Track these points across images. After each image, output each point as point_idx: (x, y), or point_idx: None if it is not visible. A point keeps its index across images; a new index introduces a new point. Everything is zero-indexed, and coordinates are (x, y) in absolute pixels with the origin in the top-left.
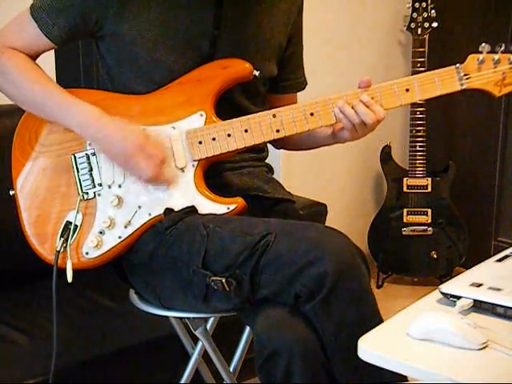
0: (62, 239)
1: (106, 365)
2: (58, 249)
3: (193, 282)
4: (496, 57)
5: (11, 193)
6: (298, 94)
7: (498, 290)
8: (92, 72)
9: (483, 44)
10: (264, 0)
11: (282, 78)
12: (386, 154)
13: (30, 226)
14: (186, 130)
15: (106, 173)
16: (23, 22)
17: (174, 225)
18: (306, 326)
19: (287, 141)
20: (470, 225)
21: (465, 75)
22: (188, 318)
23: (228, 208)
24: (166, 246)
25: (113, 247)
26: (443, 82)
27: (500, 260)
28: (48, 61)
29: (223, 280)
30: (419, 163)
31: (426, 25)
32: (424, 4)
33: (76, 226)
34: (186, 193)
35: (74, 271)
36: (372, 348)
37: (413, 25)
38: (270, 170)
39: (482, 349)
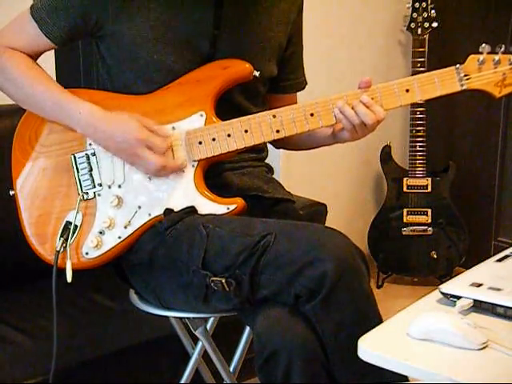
0: (62, 239)
1: (106, 365)
2: (57, 249)
3: (192, 282)
4: (496, 57)
5: (11, 193)
6: (298, 94)
7: (498, 289)
8: (92, 72)
9: (483, 45)
10: (264, 0)
11: (281, 77)
12: (385, 154)
13: (29, 226)
14: (186, 131)
15: (105, 173)
16: (23, 22)
17: (173, 225)
18: (306, 326)
19: (287, 141)
20: (470, 225)
21: (465, 76)
22: (188, 318)
23: (228, 208)
24: (165, 247)
25: (112, 247)
26: (443, 82)
27: (500, 260)
28: (48, 61)
29: (223, 280)
30: (419, 163)
31: (426, 25)
32: (424, 4)
33: (76, 226)
34: (186, 193)
35: (74, 271)
36: (372, 348)
37: (413, 25)
38: (270, 169)
39: (482, 349)
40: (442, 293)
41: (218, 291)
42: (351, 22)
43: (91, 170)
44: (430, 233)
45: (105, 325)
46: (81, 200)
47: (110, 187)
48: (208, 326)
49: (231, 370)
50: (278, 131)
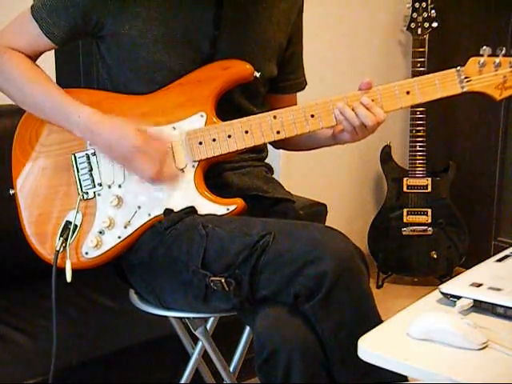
0: (62, 239)
1: (106, 365)
2: (57, 248)
3: (192, 282)
4: (497, 60)
5: (11, 192)
6: (299, 94)
7: (498, 289)
8: (92, 72)
9: (484, 47)
10: (264, 0)
11: (281, 78)
12: (385, 154)
13: (29, 225)
14: (186, 131)
15: (105, 173)
16: (24, 22)
17: (173, 225)
18: (306, 326)
19: (287, 141)
20: (470, 225)
21: (465, 78)
22: (188, 318)
23: (228, 209)
24: (165, 246)
25: (112, 247)
26: (444, 84)
27: (500, 260)
28: (48, 61)
29: (222, 280)
30: (419, 163)
31: (426, 25)
32: (424, 4)
33: (76, 225)
34: (186, 193)
35: (74, 271)
36: (372, 348)
37: (413, 25)
38: (270, 169)
39: (482, 349)
40: (442, 293)
41: (218, 291)
42: (351, 22)
43: (91, 169)
44: (429, 233)
45: (105, 325)
46: (81, 200)
47: (109, 187)
48: (208, 326)
49: (231, 370)
50: (278, 132)
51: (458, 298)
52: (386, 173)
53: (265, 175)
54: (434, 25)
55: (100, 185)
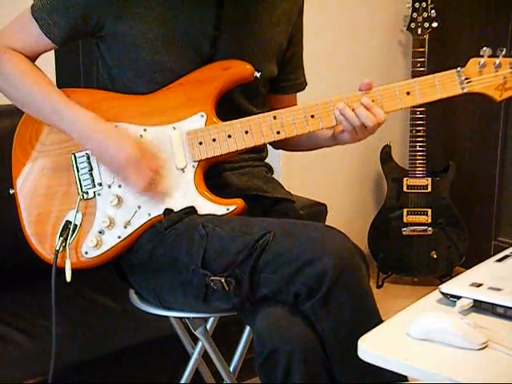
0: (62, 238)
1: (106, 365)
2: (57, 248)
3: (192, 281)
4: (497, 61)
5: (11, 191)
6: (299, 95)
7: (498, 289)
8: (92, 72)
9: (484, 48)
10: (265, 0)
11: (281, 78)
12: (385, 154)
13: (29, 224)
14: (186, 131)
15: (105, 172)
16: (24, 22)
17: (173, 225)
18: (306, 325)
19: (287, 142)
20: (470, 225)
21: (466, 79)
22: (188, 318)
23: (228, 209)
24: (165, 246)
25: (112, 247)
26: (444, 85)
27: (500, 260)
28: (48, 61)
29: (222, 279)
30: (419, 163)
31: (426, 25)
32: (424, 4)
33: (75, 225)
34: (186, 193)
35: (74, 271)
36: (372, 348)
37: (413, 25)
38: (270, 169)
39: (482, 349)
40: (442, 293)
41: (218, 290)
42: (351, 22)
43: (91, 169)
44: (429, 233)
45: (105, 325)
46: (81, 199)
47: (109, 187)
48: (208, 326)
49: (231, 370)
50: (278, 132)
51: (458, 297)
52: (386, 173)
53: (265, 175)
54: (434, 25)
55: (100, 184)
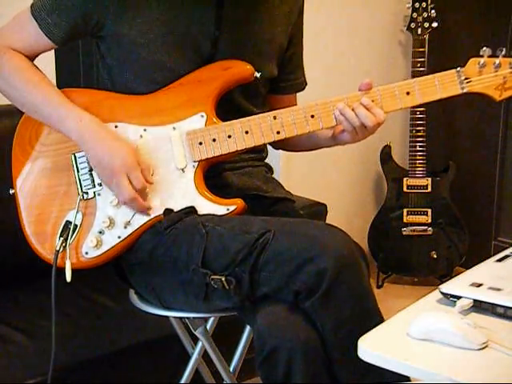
0: (62, 239)
1: (106, 365)
2: (57, 248)
3: (192, 281)
4: (497, 61)
5: (11, 192)
6: (299, 95)
7: (498, 289)
8: (92, 72)
9: (484, 48)
10: (265, 0)
11: (281, 78)
12: (385, 154)
13: (29, 225)
14: (186, 131)
15: None
16: (23, 21)
17: (173, 225)
18: (307, 323)
19: (287, 142)
20: (470, 225)
21: (465, 79)
22: (188, 318)
23: (228, 209)
24: (165, 246)
25: (112, 247)
26: (444, 85)
27: (500, 260)
28: (48, 61)
29: (223, 278)
30: (419, 163)
31: (426, 25)
32: (424, 4)
33: (76, 225)
34: (186, 193)
35: (74, 271)
36: (372, 348)
37: (413, 25)
38: (270, 169)
39: (482, 349)
40: (442, 293)
41: (218, 289)
42: (351, 22)
43: (91, 169)
44: (430, 233)
45: (105, 325)
46: (81, 199)
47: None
48: (208, 326)
49: (231, 370)
50: (278, 132)
51: (458, 298)
52: (386, 173)
53: (265, 175)
54: (434, 25)
55: (100, 185)
